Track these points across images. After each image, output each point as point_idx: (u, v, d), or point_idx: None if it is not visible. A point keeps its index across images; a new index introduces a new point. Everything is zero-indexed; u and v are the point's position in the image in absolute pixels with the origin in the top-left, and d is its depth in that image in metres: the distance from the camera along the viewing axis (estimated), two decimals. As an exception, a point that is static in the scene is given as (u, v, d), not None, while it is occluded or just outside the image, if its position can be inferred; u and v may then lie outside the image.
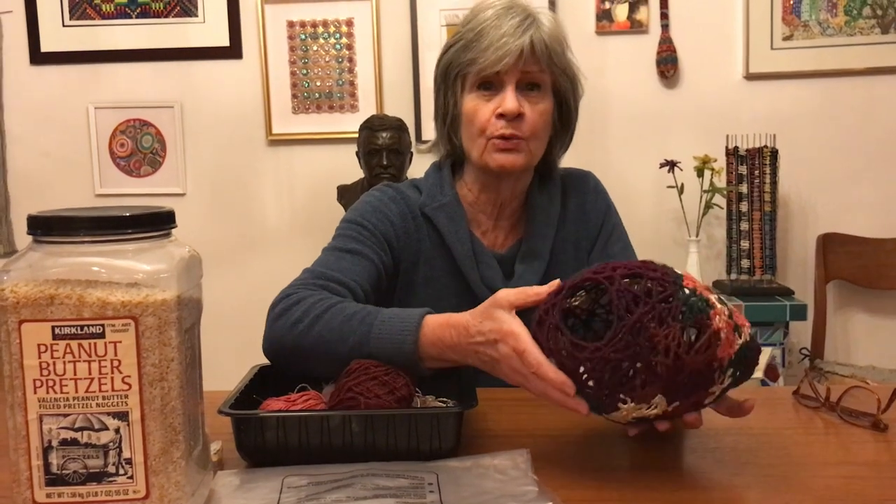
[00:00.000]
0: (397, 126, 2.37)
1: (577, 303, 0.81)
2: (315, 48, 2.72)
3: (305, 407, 0.86)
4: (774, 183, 2.55)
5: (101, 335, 0.63)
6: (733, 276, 2.58)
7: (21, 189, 2.81)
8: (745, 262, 2.57)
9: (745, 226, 2.57)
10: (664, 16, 2.63)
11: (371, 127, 2.36)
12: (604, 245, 1.24)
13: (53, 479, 0.63)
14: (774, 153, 2.55)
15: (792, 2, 2.60)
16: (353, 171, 2.53)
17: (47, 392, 0.63)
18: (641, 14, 2.64)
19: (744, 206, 2.57)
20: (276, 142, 2.76)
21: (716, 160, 2.51)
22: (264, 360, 1.00)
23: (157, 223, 0.67)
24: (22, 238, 2.78)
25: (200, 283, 0.72)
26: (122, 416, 0.63)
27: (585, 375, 0.74)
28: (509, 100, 1.10)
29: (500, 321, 0.83)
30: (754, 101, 2.65)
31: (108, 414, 0.63)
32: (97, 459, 0.63)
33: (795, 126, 2.62)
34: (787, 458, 0.81)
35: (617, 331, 0.72)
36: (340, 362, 0.89)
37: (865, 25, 2.59)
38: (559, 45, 1.13)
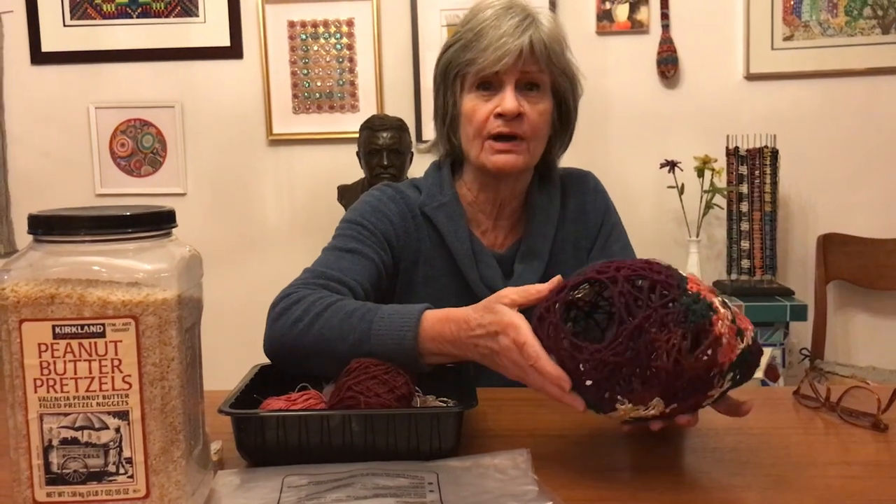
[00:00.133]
0: (398, 126, 2.37)
1: (580, 295, 0.81)
2: (315, 48, 2.72)
3: (305, 406, 0.86)
4: (775, 183, 2.55)
5: (102, 334, 0.63)
6: (733, 277, 2.58)
7: (22, 189, 2.81)
8: (745, 263, 2.57)
9: (745, 226, 2.57)
10: (665, 16, 2.63)
11: (371, 127, 2.36)
12: (603, 245, 1.24)
13: (54, 479, 0.63)
14: (775, 153, 2.55)
15: (792, 2, 2.60)
16: (353, 171, 2.53)
17: (48, 391, 0.63)
18: (642, 14, 2.64)
19: (744, 207, 2.57)
20: (277, 142, 2.76)
21: (716, 160, 2.51)
22: (265, 360, 1.00)
23: (158, 223, 0.67)
24: (22, 237, 2.78)
25: (201, 283, 0.73)
26: (123, 415, 0.63)
27: (584, 375, 0.74)
28: (508, 100, 1.10)
29: (501, 314, 0.83)
30: (755, 101, 2.65)
31: (109, 413, 0.63)
32: (97, 459, 0.63)
33: (796, 126, 2.62)
34: (787, 458, 0.81)
35: (618, 334, 0.72)
36: (341, 360, 0.89)
37: (866, 26, 2.59)
38: (558, 45, 1.13)
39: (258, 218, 2.80)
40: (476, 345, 0.86)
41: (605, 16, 2.65)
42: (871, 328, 2.70)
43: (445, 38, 1.19)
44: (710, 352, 0.71)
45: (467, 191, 1.22)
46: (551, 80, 1.15)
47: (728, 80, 2.66)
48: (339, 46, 2.72)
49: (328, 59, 2.72)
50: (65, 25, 2.74)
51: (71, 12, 2.74)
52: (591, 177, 1.29)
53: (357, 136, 2.43)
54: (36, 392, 0.63)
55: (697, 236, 2.56)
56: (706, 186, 2.50)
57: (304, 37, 2.71)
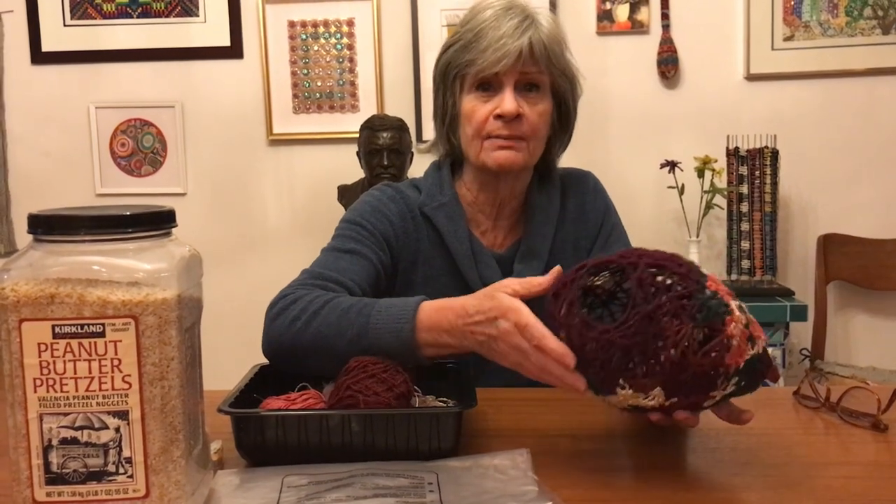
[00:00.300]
0: (398, 126, 2.37)
1: (599, 282, 0.81)
2: (316, 48, 2.72)
3: (305, 406, 0.86)
4: (775, 184, 2.55)
5: (102, 334, 0.63)
6: (734, 277, 2.58)
7: (22, 188, 2.81)
8: (745, 263, 2.57)
9: (745, 226, 2.57)
10: (665, 16, 2.63)
11: (372, 127, 2.36)
12: (603, 245, 1.24)
13: (53, 478, 0.63)
14: (775, 154, 2.55)
15: (793, 2, 2.60)
16: (353, 171, 2.53)
17: (47, 391, 0.63)
18: (642, 14, 2.64)
19: (744, 207, 2.57)
20: (277, 142, 2.76)
21: (716, 161, 2.51)
22: (265, 360, 1.00)
23: (158, 222, 0.67)
24: (22, 237, 2.78)
25: (201, 283, 0.73)
26: (123, 415, 0.63)
27: (590, 354, 0.74)
28: (508, 101, 1.10)
29: (501, 299, 0.83)
30: (755, 101, 2.65)
31: (109, 413, 0.63)
32: (97, 458, 0.63)
33: (796, 127, 2.62)
34: (787, 459, 0.81)
35: (629, 316, 0.72)
36: (340, 357, 0.89)
37: (866, 26, 2.59)
38: (558, 45, 1.13)
39: (258, 218, 2.80)
40: (473, 332, 0.86)
41: (605, 16, 2.65)
42: (871, 328, 2.70)
43: (445, 38, 1.19)
44: (717, 351, 0.71)
45: (467, 191, 1.22)
46: (551, 81, 1.15)
47: (728, 81, 2.66)
48: (339, 46, 2.72)
49: (328, 59, 2.72)
50: (65, 25, 2.75)
51: (71, 12, 2.74)
52: (590, 177, 1.29)
53: (357, 136, 2.43)
54: (36, 392, 0.63)
55: (697, 236, 2.56)
56: (706, 187, 2.50)
57: (304, 37, 2.71)
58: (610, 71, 2.67)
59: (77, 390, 0.63)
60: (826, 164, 2.64)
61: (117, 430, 0.63)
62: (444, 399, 0.93)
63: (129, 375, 0.63)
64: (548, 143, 1.19)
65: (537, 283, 0.84)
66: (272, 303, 1.01)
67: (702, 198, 2.52)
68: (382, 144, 2.33)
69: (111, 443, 0.63)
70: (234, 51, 2.72)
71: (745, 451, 0.84)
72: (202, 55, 2.73)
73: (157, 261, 0.65)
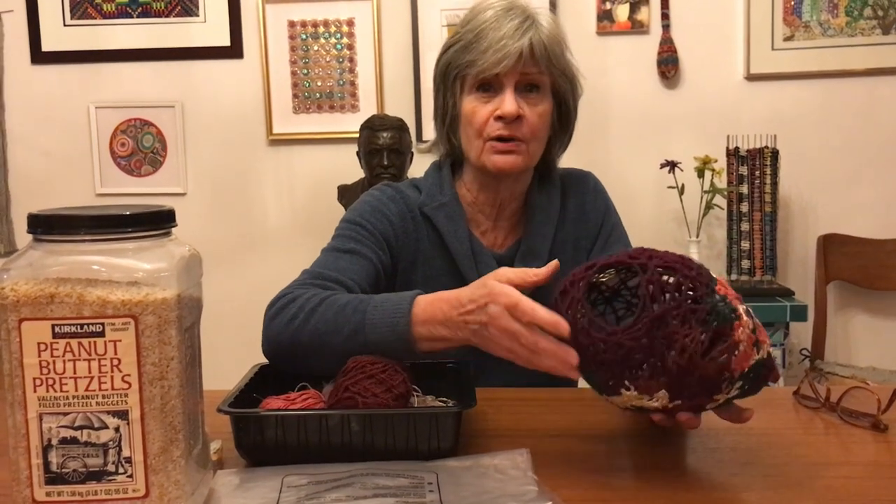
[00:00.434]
0: (398, 126, 2.37)
1: (604, 279, 0.81)
2: (316, 48, 2.72)
3: (304, 406, 0.86)
4: (775, 184, 2.55)
5: (101, 334, 0.63)
6: (734, 277, 2.58)
7: (22, 188, 2.81)
8: (745, 263, 2.57)
9: (745, 226, 2.57)
10: (665, 16, 2.63)
11: (372, 127, 2.36)
12: (603, 245, 1.24)
13: (53, 478, 0.63)
14: (775, 154, 2.55)
15: (793, 2, 2.60)
16: (353, 171, 2.53)
17: (47, 390, 0.63)
18: (642, 14, 2.64)
19: (744, 207, 2.57)
20: (277, 141, 2.76)
21: (716, 161, 2.51)
22: (265, 360, 1.00)
23: (158, 222, 0.67)
24: (22, 237, 2.78)
25: (200, 282, 0.72)
26: (122, 414, 0.63)
27: (597, 354, 0.74)
28: (508, 102, 1.10)
29: (492, 286, 0.83)
30: (755, 101, 2.64)
31: (108, 412, 0.63)
32: (97, 458, 0.63)
33: (796, 127, 2.62)
34: (787, 459, 0.81)
35: (638, 319, 0.72)
36: (338, 354, 0.90)
37: (866, 26, 2.59)
38: (558, 46, 1.13)
39: (258, 218, 2.80)
40: (466, 321, 0.86)
41: (605, 16, 2.65)
42: (871, 328, 2.70)
43: (445, 38, 1.19)
44: (725, 356, 0.71)
45: (467, 191, 1.22)
46: (551, 82, 1.15)
47: (728, 81, 2.66)
48: (339, 46, 2.72)
49: (328, 58, 2.72)
50: (65, 25, 2.74)
51: (71, 12, 2.74)
52: (590, 177, 1.29)
53: (357, 135, 2.43)
54: (35, 391, 0.63)
55: (697, 237, 2.56)
56: (706, 187, 2.50)
57: (304, 37, 2.71)
58: (610, 71, 2.66)
59: (77, 390, 0.63)
60: (826, 164, 2.64)
61: (117, 429, 0.63)
62: (444, 399, 0.93)
63: (129, 375, 0.63)
64: (548, 144, 1.19)
65: (533, 273, 0.84)
66: (271, 303, 1.01)
67: (702, 198, 2.52)
68: (382, 144, 2.33)
69: (111, 442, 0.63)
70: (234, 51, 2.72)
71: (745, 451, 0.84)
72: (202, 55, 2.73)
73: (157, 260, 0.65)
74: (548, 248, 1.21)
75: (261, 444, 0.80)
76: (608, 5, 2.64)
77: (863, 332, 2.71)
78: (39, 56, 2.76)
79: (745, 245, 2.57)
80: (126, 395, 0.63)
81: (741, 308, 0.74)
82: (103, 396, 0.63)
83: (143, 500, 0.64)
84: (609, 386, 0.75)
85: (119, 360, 0.63)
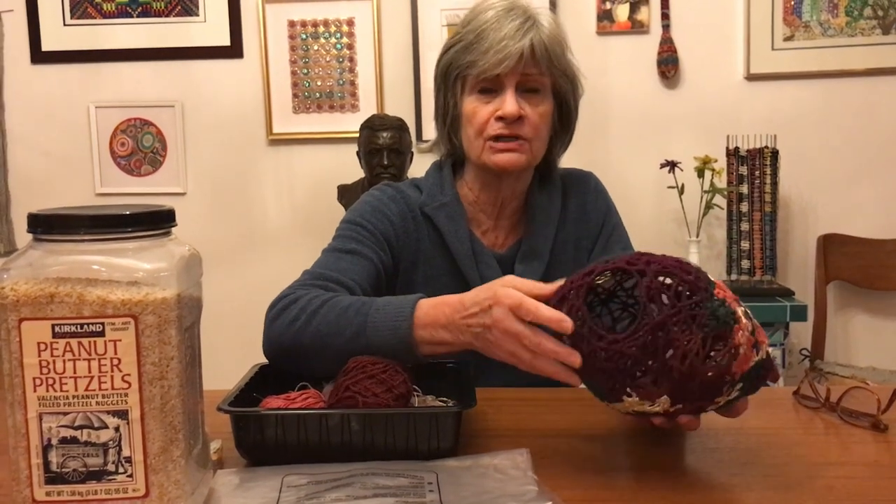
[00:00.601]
0: (398, 126, 2.37)
1: (600, 281, 0.81)
2: (316, 48, 2.72)
3: (305, 405, 0.86)
4: (775, 184, 2.55)
5: (101, 333, 0.63)
6: (734, 277, 2.58)
7: (22, 188, 2.81)
8: (745, 263, 2.57)
9: (745, 226, 2.57)
10: (665, 16, 2.63)
11: (372, 126, 2.36)
12: (604, 245, 1.24)
13: (53, 478, 0.63)
14: (775, 154, 2.55)
15: (793, 2, 2.60)
16: (353, 171, 2.53)
17: (47, 390, 0.63)
18: (642, 14, 2.64)
19: (744, 207, 2.57)
20: (277, 141, 2.76)
21: (716, 160, 2.51)
22: (265, 360, 1.00)
23: (158, 221, 0.67)
24: (22, 237, 2.78)
25: (200, 282, 0.72)
26: (122, 414, 0.63)
27: (597, 362, 0.74)
28: (509, 103, 1.09)
29: (496, 289, 0.83)
30: (755, 101, 2.64)
31: (108, 412, 0.63)
32: (97, 458, 0.63)
33: (796, 127, 2.62)
34: (787, 458, 0.81)
35: (639, 327, 0.71)
36: (339, 356, 0.89)
37: (866, 26, 2.59)
38: (559, 46, 1.13)
39: (258, 218, 2.80)
40: (469, 325, 0.86)
41: (605, 16, 2.65)
42: (871, 328, 2.70)
43: (446, 38, 1.19)
44: (725, 360, 0.71)
45: (468, 191, 1.22)
46: (552, 82, 1.15)
47: (728, 81, 2.65)
48: (339, 46, 2.72)
49: (328, 58, 2.72)
50: (65, 25, 2.74)
51: (71, 11, 2.74)
52: (591, 177, 1.29)
53: (357, 135, 2.43)
54: (35, 391, 0.63)
55: (697, 236, 2.56)
56: (706, 187, 2.50)
57: (304, 36, 2.71)
58: (610, 71, 2.66)
59: (77, 390, 0.63)
60: (826, 164, 2.64)
61: (117, 429, 0.63)
62: (444, 399, 0.93)
63: (129, 375, 0.63)
64: (549, 144, 1.19)
65: (539, 287, 0.83)
66: (272, 304, 1.01)
67: (702, 198, 2.52)
68: (382, 144, 2.32)
69: (111, 442, 0.63)
70: (234, 50, 2.72)
71: (744, 450, 0.84)
72: (202, 55, 2.73)
73: (157, 260, 0.65)
74: (549, 248, 1.21)
75: (261, 444, 0.80)
76: (608, 5, 2.64)
77: (863, 332, 2.71)
78: (39, 56, 2.76)
79: (745, 245, 2.57)
80: (126, 395, 0.63)
81: (740, 310, 0.74)
82: (103, 396, 0.63)
83: (143, 500, 0.64)
84: (610, 393, 0.75)
85: (119, 360, 0.63)
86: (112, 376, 0.63)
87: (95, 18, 2.74)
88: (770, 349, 0.77)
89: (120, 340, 0.63)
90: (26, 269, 0.63)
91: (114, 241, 0.65)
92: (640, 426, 0.91)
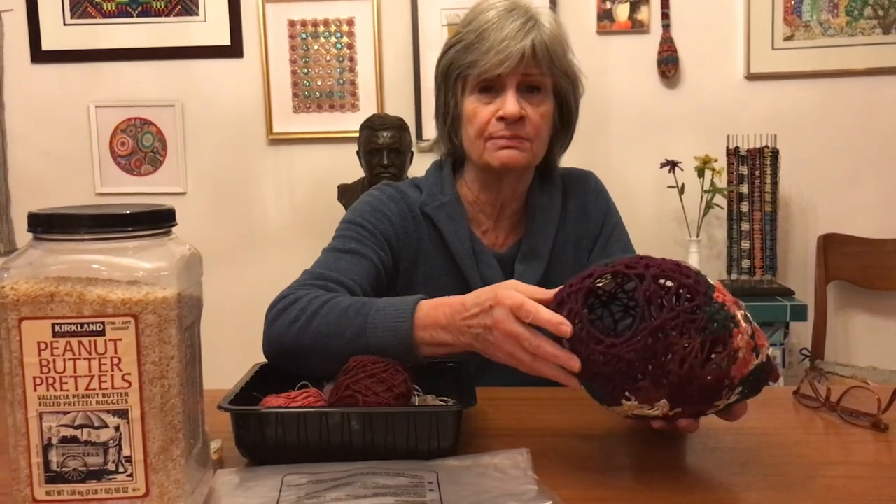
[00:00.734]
0: (398, 125, 2.37)
1: (601, 284, 0.81)
2: (316, 47, 2.72)
3: (305, 404, 0.86)
4: (775, 183, 2.55)
5: (102, 333, 0.63)
6: (734, 277, 2.58)
7: (22, 187, 2.81)
8: (745, 263, 2.57)
9: (745, 226, 2.57)
10: (665, 16, 2.63)
11: (372, 126, 2.36)
12: (604, 245, 1.24)
13: (53, 477, 0.63)
14: (775, 153, 2.55)
15: (793, 2, 2.60)
16: (353, 171, 2.53)
17: (47, 389, 0.63)
18: (642, 14, 2.64)
19: (744, 207, 2.57)
20: (277, 141, 2.76)
21: (716, 160, 2.51)
22: (265, 360, 1.00)
23: (158, 221, 0.67)
24: (22, 237, 2.78)
25: (201, 281, 0.72)
26: (122, 413, 0.63)
27: (596, 366, 0.74)
28: (510, 103, 1.09)
29: (497, 290, 0.83)
30: (755, 101, 2.64)
31: (108, 412, 0.63)
32: (97, 457, 0.63)
33: (796, 126, 2.62)
34: (787, 458, 0.81)
35: (637, 331, 0.71)
36: (340, 356, 0.89)
37: (867, 26, 2.59)
38: (560, 47, 1.13)
39: (258, 217, 2.80)
40: (469, 325, 0.86)
41: (605, 15, 2.65)
42: (871, 328, 2.70)
43: (446, 38, 1.19)
44: (724, 364, 0.71)
45: (468, 190, 1.22)
46: (553, 82, 1.14)
47: (728, 80, 2.65)
48: (339, 45, 2.72)
49: (328, 58, 2.72)
50: (65, 24, 2.74)
51: (71, 11, 2.74)
52: (592, 177, 1.29)
53: (357, 135, 2.43)
54: (35, 390, 0.63)
55: (697, 236, 2.56)
56: (706, 186, 2.50)
57: (304, 36, 2.71)
58: (610, 71, 2.66)
59: (77, 389, 0.63)
60: (826, 164, 2.64)
61: (117, 428, 0.63)
62: (445, 398, 0.93)
63: (129, 374, 0.63)
64: (549, 143, 1.19)
65: (540, 292, 0.82)
66: (272, 304, 1.01)
67: (702, 197, 2.52)
68: (382, 144, 2.32)
69: (111, 441, 0.63)
70: (234, 50, 2.72)
71: (745, 451, 0.84)
72: (202, 54, 2.73)
73: (157, 259, 0.65)
74: (549, 248, 1.20)
75: (261, 442, 0.80)
76: (608, 5, 2.64)
77: (863, 332, 2.71)
78: (39, 55, 2.76)
79: (746, 245, 2.57)
80: (126, 395, 0.63)
81: (739, 314, 0.74)
82: (103, 395, 0.63)
83: (143, 500, 0.64)
84: (609, 397, 0.75)
85: (119, 360, 0.63)
86: (112, 376, 0.63)
87: (95, 18, 2.74)
88: (770, 351, 0.76)
89: (120, 340, 0.63)
90: (26, 269, 0.63)
91: (114, 240, 0.65)
92: (639, 426, 0.91)
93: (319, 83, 2.73)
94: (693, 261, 2.52)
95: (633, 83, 2.67)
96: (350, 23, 2.70)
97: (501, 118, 1.11)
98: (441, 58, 1.18)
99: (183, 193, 2.79)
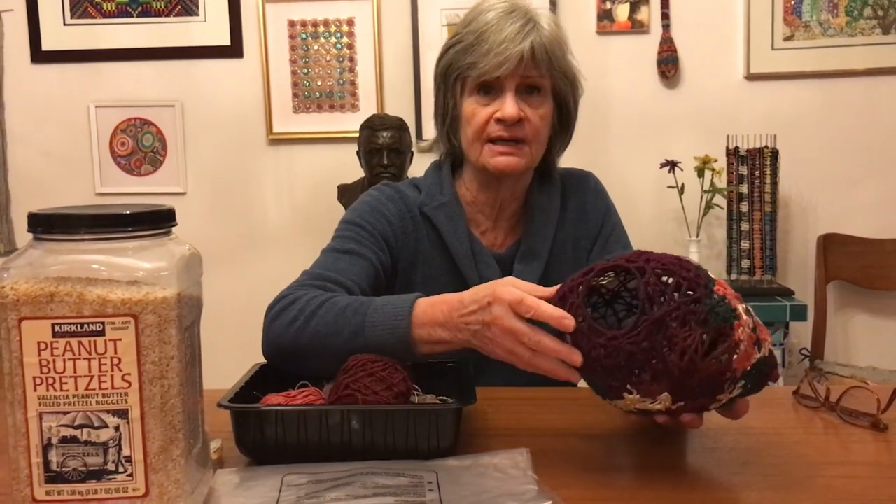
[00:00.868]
0: (398, 125, 2.37)
1: (604, 282, 0.81)
2: (316, 47, 2.72)
3: (305, 402, 0.86)
4: (775, 183, 2.55)
5: (101, 333, 0.63)
6: (733, 277, 2.58)
7: (22, 188, 2.81)
8: (745, 263, 2.57)
9: (745, 226, 2.57)
10: (665, 16, 2.63)
11: (372, 126, 2.36)
12: (604, 245, 1.24)
13: (53, 477, 0.63)
14: (775, 153, 2.55)
15: (793, 2, 2.60)
16: (353, 171, 2.53)
17: (47, 389, 0.63)
18: (642, 14, 2.64)
19: (744, 207, 2.57)
20: (277, 141, 2.76)
21: (716, 160, 2.51)
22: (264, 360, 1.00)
23: (158, 221, 0.67)
24: (22, 237, 2.78)
25: (200, 281, 0.72)
26: (122, 413, 0.63)
27: (597, 360, 0.74)
28: (509, 105, 1.09)
29: (495, 287, 0.83)
30: (755, 101, 2.65)
31: (108, 412, 0.63)
32: (97, 457, 0.63)
33: (796, 126, 2.62)
34: (787, 458, 0.81)
35: (638, 323, 0.72)
36: (338, 356, 0.89)
37: (866, 26, 2.59)
38: (559, 48, 1.13)
39: (258, 217, 2.80)
40: (467, 322, 0.86)
41: (605, 15, 2.65)
42: (871, 328, 2.70)
43: (446, 38, 1.19)
44: (725, 356, 0.71)
45: (466, 191, 1.22)
46: (552, 84, 1.14)
47: (728, 80, 2.65)
48: (339, 46, 2.72)
49: (328, 58, 2.72)
50: (65, 24, 2.74)
51: (71, 11, 2.74)
52: (591, 177, 1.29)
53: (357, 135, 2.43)
54: (35, 390, 0.63)
55: (697, 236, 2.56)
56: (706, 186, 2.50)
57: (304, 36, 2.71)
58: (610, 71, 2.66)
59: (77, 389, 0.63)
60: (826, 164, 2.64)
61: (117, 428, 0.63)
62: (444, 398, 0.93)
63: (129, 374, 0.63)
64: (548, 144, 1.19)
65: (538, 290, 0.82)
66: (271, 304, 1.01)
67: (702, 197, 2.52)
68: (382, 144, 2.32)
69: (111, 441, 0.63)
70: (234, 50, 2.72)
71: (744, 450, 0.84)
72: (202, 54, 2.73)
73: (157, 259, 0.65)
74: (548, 249, 1.20)
75: (261, 441, 0.80)
76: (608, 5, 2.64)
77: (863, 331, 2.71)
78: (39, 55, 2.76)
79: (745, 245, 2.57)
80: (126, 395, 0.63)
81: (741, 307, 0.74)
82: (103, 395, 0.63)
83: (142, 500, 0.64)
84: (611, 390, 0.75)
85: (119, 360, 0.63)
86: (112, 376, 0.63)
87: (95, 18, 2.74)
88: (772, 347, 0.77)
89: (120, 340, 0.63)
90: (26, 269, 0.63)
91: (114, 240, 0.65)
92: (639, 425, 0.91)
93: (319, 83, 2.73)
94: (693, 261, 2.52)
95: (633, 83, 2.67)
96: (350, 23, 2.70)
97: (500, 120, 1.11)
98: (440, 58, 1.18)
99: (183, 193, 2.79)
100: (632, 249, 1.26)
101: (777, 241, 2.58)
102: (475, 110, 1.13)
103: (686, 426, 0.78)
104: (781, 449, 0.84)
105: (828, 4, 2.59)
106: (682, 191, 2.50)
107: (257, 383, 0.92)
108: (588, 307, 0.78)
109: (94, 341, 0.63)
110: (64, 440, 0.63)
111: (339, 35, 2.71)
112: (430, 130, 2.61)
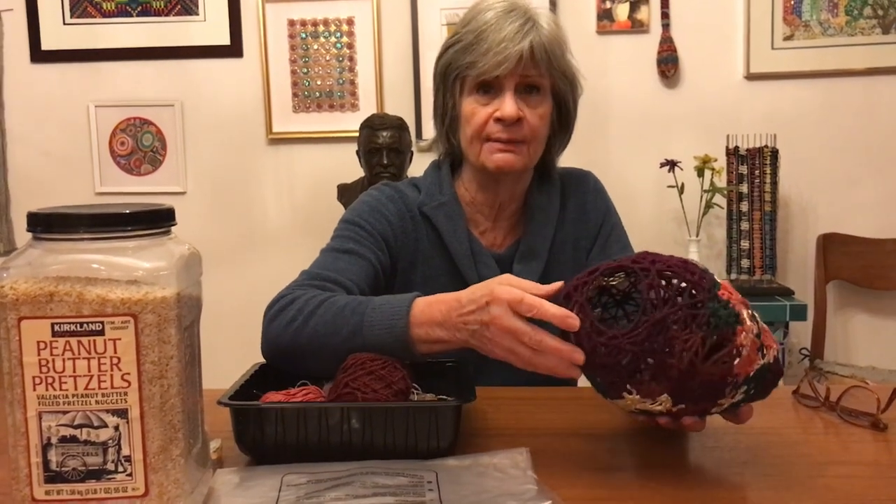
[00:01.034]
0: (398, 125, 2.37)
1: (615, 283, 0.81)
2: (316, 47, 2.72)
3: (304, 400, 0.86)
4: (775, 183, 2.55)
5: (101, 332, 0.63)
6: (733, 276, 2.58)
7: (21, 187, 2.81)
8: (745, 262, 2.57)
9: (745, 226, 2.57)
10: (665, 15, 2.63)
11: (371, 126, 2.36)
12: (603, 245, 1.24)
13: (52, 477, 0.63)
14: (775, 153, 2.55)
15: (793, 2, 2.60)
16: (353, 170, 2.53)
17: (46, 389, 0.63)
18: (642, 13, 2.64)
19: (744, 206, 2.57)
20: (277, 140, 2.76)
21: (716, 160, 2.51)
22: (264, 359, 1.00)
23: (157, 220, 0.67)
24: (22, 237, 2.78)
25: (200, 281, 0.72)
26: (122, 413, 0.63)
27: (598, 358, 0.74)
28: (508, 105, 1.09)
29: (493, 286, 0.83)
30: (755, 100, 2.65)
31: (108, 411, 0.63)
32: (96, 457, 0.63)
33: (796, 126, 2.62)
34: (787, 458, 0.81)
35: (639, 324, 0.72)
36: (337, 355, 0.89)
37: (866, 25, 2.59)
38: (559, 48, 1.13)
39: (258, 217, 2.80)
40: (465, 322, 0.85)
41: (605, 15, 2.65)
42: (870, 328, 2.70)
43: (445, 37, 1.18)
44: (726, 360, 0.71)
45: (466, 191, 1.22)
46: (551, 83, 1.14)
47: (728, 80, 2.65)
48: (339, 45, 2.72)
49: (328, 57, 2.72)
50: (65, 24, 2.74)
51: (71, 10, 2.74)
52: (591, 177, 1.29)
53: (357, 135, 2.43)
54: (35, 390, 0.63)
55: (697, 236, 2.56)
56: (706, 186, 2.50)
57: (304, 35, 2.71)
58: (610, 70, 2.66)
59: (76, 388, 0.63)
60: (826, 164, 2.64)
61: (116, 428, 0.63)
62: (444, 397, 0.93)
63: (129, 374, 0.63)
64: (547, 144, 1.19)
65: (536, 288, 0.82)
66: (270, 304, 1.01)
67: (702, 197, 2.52)
68: (382, 143, 2.32)
69: (110, 441, 0.63)
70: (233, 50, 2.72)
71: (744, 450, 0.84)
72: (202, 54, 2.73)
73: (157, 259, 0.65)
74: (547, 248, 1.20)
75: (260, 439, 0.80)
76: (608, 4, 2.64)
77: (862, 331, 2.71)
78: (39, 55, 2.76)
79: (745, 244, 2.57)
80: (125, 394, 0.63)
81: (745, 313, 0.74)
82: (103, 395, 0.63)
83: (142, 499, 0.64)
84: (611, 389, 0.75)
85: (118, 359, 0.63)
86: (111, 375, 0.63)
87: (95, 18, 2.74)
88: (780, 356, 0.76)
89: (119, 339, 0.63)
90: (26, 268, 0.63)
91: (113, 239, 0.65)
92: (639, 425, 0.91)
93: (319, 83, 2.73)
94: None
95: (633, 83, 2.67)
96: (350, 22, 2.70)
97: (499, 119, 1.10)
98: (439, 58, 1.18)
99: (183, 193, 2.79)
100: (631, 249, 1.26)
101: (777, 241, 2.58)
102: (474, 110, 1.13)
103: (687, 429, 0.78)
104: (781, 449, 0.84)
105: (828, 4, 2.59)
106: (681, 190, 2.50)
107: (257, 382, 0.92)
108: (598, 307, 0.78)
109: (94, 341, 0.63)
110: (63, 440, 0.63)
111: (338, 35, 2.71)
112: (429, 130, 2.60)
